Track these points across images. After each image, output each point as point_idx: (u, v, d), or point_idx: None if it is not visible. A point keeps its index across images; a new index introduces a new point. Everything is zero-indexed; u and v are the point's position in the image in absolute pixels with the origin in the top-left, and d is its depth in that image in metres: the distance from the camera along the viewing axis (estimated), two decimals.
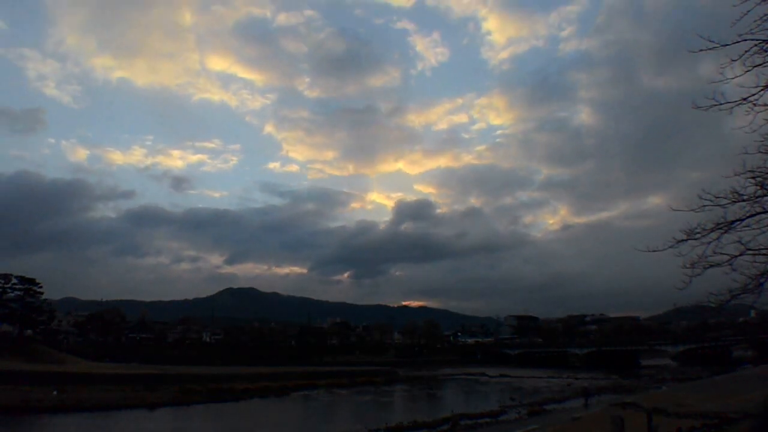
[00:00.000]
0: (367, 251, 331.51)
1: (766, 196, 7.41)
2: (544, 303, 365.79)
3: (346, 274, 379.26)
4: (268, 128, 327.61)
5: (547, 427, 27.19)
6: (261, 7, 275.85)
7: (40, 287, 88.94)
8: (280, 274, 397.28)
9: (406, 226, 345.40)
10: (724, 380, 41.75)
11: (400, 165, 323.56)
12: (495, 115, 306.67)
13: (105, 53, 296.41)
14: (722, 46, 7.00)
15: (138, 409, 39.70)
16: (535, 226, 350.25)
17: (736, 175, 7.51)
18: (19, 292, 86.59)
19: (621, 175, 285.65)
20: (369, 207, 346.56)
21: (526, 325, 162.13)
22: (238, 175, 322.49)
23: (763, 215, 7.45)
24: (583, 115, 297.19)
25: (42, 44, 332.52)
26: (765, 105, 7.07)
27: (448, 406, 39.08)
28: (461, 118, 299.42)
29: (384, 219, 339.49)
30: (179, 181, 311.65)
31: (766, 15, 6.81)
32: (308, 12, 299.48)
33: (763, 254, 7.38)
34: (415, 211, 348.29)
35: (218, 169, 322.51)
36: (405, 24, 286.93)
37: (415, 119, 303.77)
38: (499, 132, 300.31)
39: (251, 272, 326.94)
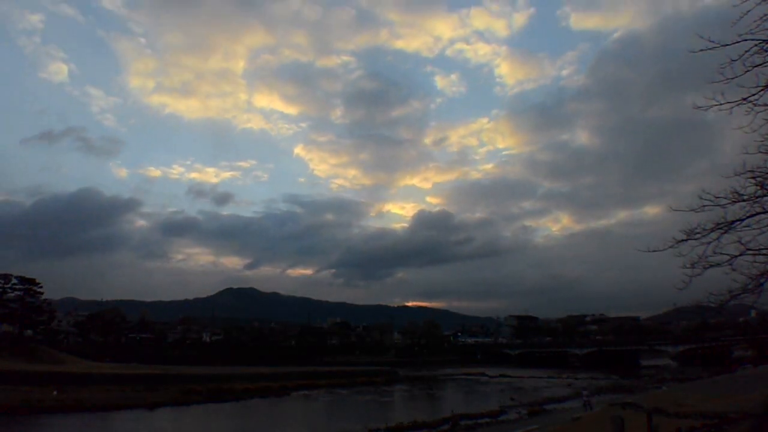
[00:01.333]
0: (377, 256, 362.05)
1: (766, 196, 7.40)
2: (544, 303, 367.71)
3: (348, 275, 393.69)
4: (298, 150, 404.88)
5: (547, 427, 27.20)
6: (304, 54, 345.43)
7: (40, 287, 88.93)
8: (282, 274, 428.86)
9: (415, 233, 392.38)
10: (724, 380, 41.73)
11: (415, 181, 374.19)
12: (502, 139, 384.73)
13: (162, 93, 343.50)
14: (722, 46, 7.00)
15: (138, 409, 39.72)
16: (537, 232, 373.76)
17: (736, 175, 7.50)
18: (19, 292, 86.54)
19: (618, 188, 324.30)
20: (382, 216, 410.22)
21: (526, 325, 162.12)
22: (266, 189, 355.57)
23: (763, 215, 7.44)
24: (583, 138, 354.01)
25: (107, 84, 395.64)
26: (765, 105, 7.06)
27: (448, 406, 39.07)
28: (471, 141, 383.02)
29: (395, 227, 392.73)
30: (214, 195, 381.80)
31: (766, 15, 6.81)
32: (345, 57, 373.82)
33: (763, 254, 7.38)
34: (425, 219, 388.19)
35: (249, 184, 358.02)
36: (429, 68, 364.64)
37: (430, 142, 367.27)
38: (505, 153, 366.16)
39: (267, 275, 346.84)
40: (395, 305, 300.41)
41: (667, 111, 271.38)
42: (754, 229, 7.52)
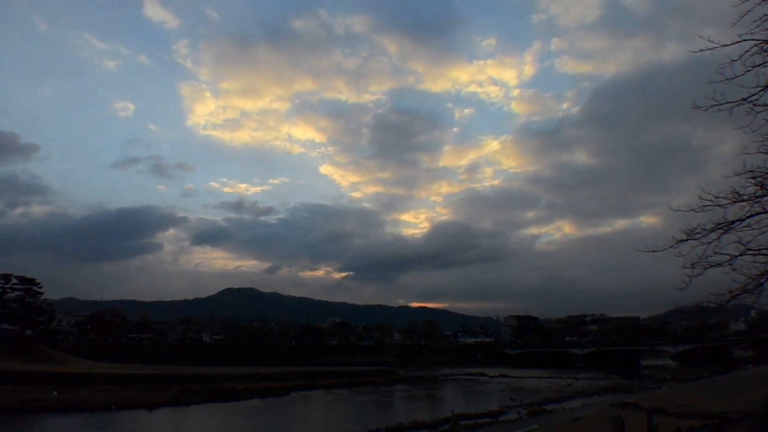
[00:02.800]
0: (388, 261, 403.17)
1: (766, 196, 7.40)
2: (544, 304, 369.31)
3: (361, 279, 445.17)
4: (325, 169, 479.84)
5: (547, 427, 27.20)
6: (341, 95, 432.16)
7: (40, 287, 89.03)
8: (297, 277, 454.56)
9: (425, 241, 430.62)
10: (724, 380, 41.73)
11: (427, 194, 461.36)
12: (508, 160, 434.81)
13: (216, 128, 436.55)
14: (722, 46, 7.01)
15: (138, 409, 39.71)
16: (539, 238, 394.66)
17: (736, 175, 7.50)
18: (19, 292, 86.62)
19: (615, 200, 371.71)
20: (395, 225, 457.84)
21: (526, 325, 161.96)
22: (292, 201, 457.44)
23: (763, 215, 7.44)
24: (581, 159, 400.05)
25: (165, 120, 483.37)
26: (765, 105, 7.07)
27: (448, 406, 39.09)
28: (480, 161, 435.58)
29: (406, 235, 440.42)
30: (246, 207, 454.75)
31: (766, 15, 6.81)
32: (377, 96, 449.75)
33: (763, 254, 7.38)
34: (434, 228, 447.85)
35: (276, 197, 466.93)
36: (448, 105, 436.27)
37: (443, 164, 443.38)
38: (510, 171, 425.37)
39: (284, 277, 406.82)
40: (395, 305, 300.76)
41: (655, 137, 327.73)
42: (754, 229, 7.52)
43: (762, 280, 7.32)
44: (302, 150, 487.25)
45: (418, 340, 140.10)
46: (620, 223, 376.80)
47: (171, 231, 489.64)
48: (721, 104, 7.26)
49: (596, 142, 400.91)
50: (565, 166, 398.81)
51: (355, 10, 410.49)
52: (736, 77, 7.04)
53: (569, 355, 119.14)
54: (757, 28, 6.87)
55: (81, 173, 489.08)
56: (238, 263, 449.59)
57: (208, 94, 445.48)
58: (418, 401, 52.99)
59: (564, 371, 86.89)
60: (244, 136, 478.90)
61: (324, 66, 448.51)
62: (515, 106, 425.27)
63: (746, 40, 6.92)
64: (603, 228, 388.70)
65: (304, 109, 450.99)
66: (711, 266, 7.68)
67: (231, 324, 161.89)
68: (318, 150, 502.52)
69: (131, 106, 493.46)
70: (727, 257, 7.55)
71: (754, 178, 7.43)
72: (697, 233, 7.69)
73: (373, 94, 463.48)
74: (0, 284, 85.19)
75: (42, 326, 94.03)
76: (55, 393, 41.50)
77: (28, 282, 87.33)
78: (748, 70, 6.98)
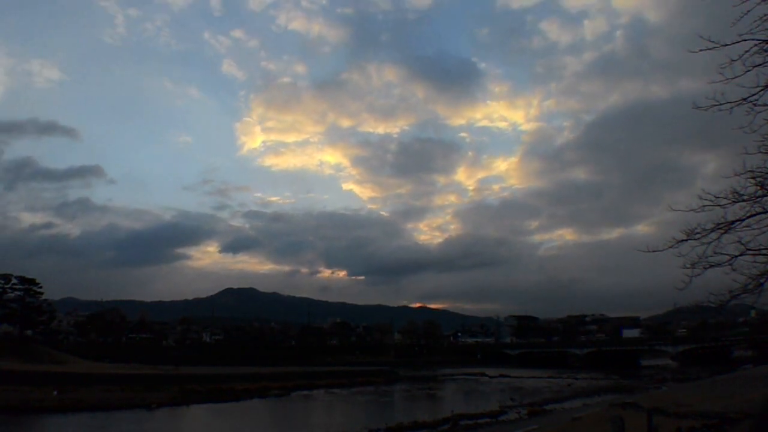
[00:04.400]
0: (397, 265, 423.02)
1: (766, 196, 7.40)
2: (544, 303, 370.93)
3: (373, 282, 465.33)
4: (348, 186, 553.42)
5: (547, 427, 27.20)
6: (371, 128, 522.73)
7: (40, 287, 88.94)
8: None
9: (433, 246, 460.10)
10: (724, 380, 41.73)
11: (439, 204, 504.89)
12: (512, 178, 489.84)
13: (262, 156, 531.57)
14: (722, 46, 7.00)
15: (138, 409, 39.70)
16: (541, 245, 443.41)
17: (736, 175, 7.50)
18: (19, 293, 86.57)
19: (613, 212, 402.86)
20: (407, 233, 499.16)
21: (526, 325, 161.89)
22: (316, 212, 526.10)
23: (763, 215, 7.44)
24: (581, 176, 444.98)
25: (225, 152, 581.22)
26: (765, 105, 7.06)
27: (448, 406, 39.07)
28: (488, 179, 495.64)
29: (416, 242, 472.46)
30: (277, 217, 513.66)
31: (766, 15, 6.81)
32: (402, 128, 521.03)
33: (763, 254, 7.37)
34: (443, 235, 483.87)
35: (303, 210, 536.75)
36: (464, 135, 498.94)
37: (455, 180, 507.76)
38: (515, 187, 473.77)
39: (298, 280, 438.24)
40: (395, 305, 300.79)
41: (646, 159, 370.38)
42: (754, 229, 7.51)
43: (762, 280, 7.31)
44: (332, 172, 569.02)
45: (418, 340, 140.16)
46: (618, 231, 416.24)
47: (211, 239, 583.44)
48: (721, 104, 7.25)
49: (593, 163, 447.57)
50: (565, 182, 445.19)
51: (393, 62, 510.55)
52: (736, 77, 7.03)
53: (569, 355, 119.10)
54: (757, 28, 6.86)
55: (148, 195, 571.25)
56: (267, 267, 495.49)
57: (258, 129, 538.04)
58: (418, 401, 53.00)
59: (564, 371, 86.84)
60: (283, 163, 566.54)
61: (360, 108, 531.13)
62: (521, 136, 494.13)
63: (746, 40, 6.91)
64: (601, 235, 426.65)
65: (337, 139, 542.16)
66: (711, 266, 7.68)
67: (231, 324, 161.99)
68: (345, 171, 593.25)
69: (190, 139, 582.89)
70: (727, 257, 7.54)
71: (754, 178, 7.42)
72: (697, 233, 7.68)
73: (399, 127, 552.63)
74: (0, 284, 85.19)
75: (42, 326, 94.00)
76: (55, 393, 41.50)
77: (28, 282, 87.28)
78: (748, 70, 6.97)
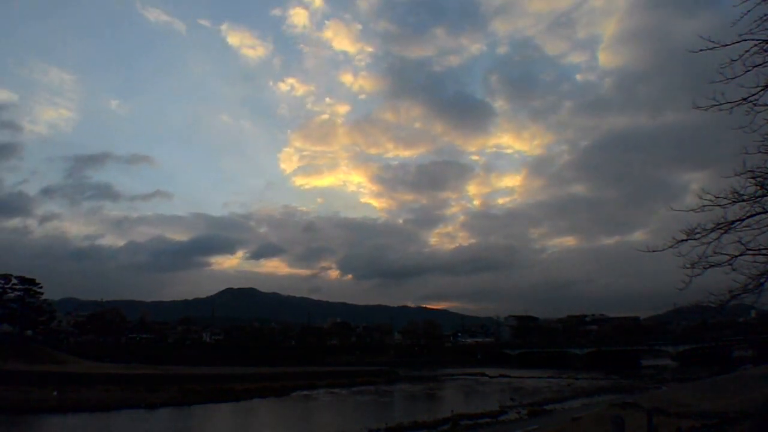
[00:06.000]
0: (405, 269, 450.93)
1: (766, 196, 7.40)
2: (544, 303, 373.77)
3: (381, 285, 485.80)
4: (366, 199, 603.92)
5: (547, 427, 27.22)
6: (391, 153, 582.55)
7: (40, 287, 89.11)
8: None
9: (441, 252, 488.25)
10: (724, 380, 41.72)
11: (449, 216, 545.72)
12: (515, 193, 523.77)
13: (296, 177, 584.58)
14: (722, 46, 7.00)
15: (138, 409, 39.72)
16: (542, 251, 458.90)
17: (736, 175, 7.49)
18: (19, 293, 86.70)
19: (610, 222, 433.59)
20: (417, 241, 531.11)
21: (526, 325, 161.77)
22: (335, 221, 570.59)
23: (763, 215, 7.43)
24: (580, 191, 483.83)
25: (267, 175, 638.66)
26: (765, 105, 7.06)
27: (448, 406, 39.09)
28: (495, 193, 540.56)
29: (426, 248, 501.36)
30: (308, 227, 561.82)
31: (766, 15, 6.81)
32: (421, 153, 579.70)
33: (763, 254, 7.37)
34: (451, 243, 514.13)
35: (326, 220, 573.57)
36: (475, 158, 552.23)
37: (464, 196, 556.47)
38: (519, 200, 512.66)
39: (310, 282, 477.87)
40: (395, 305, 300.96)
41: (638, 178, 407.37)
42: (754, 229, 7.51)
43: (762, 280, 7.31)
44: (354, 188, 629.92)
45: (418, 340, 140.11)
46: (615, 239, 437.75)
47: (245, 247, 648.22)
48: (721, 104, 7.25)
49: (590, 181, 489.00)
50: (565, 197, 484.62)
51: (419, 103, 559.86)
52: (736, 77, 7.03)
53: (569, 355, 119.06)
54: (757, 28, 6.87)
55: (198, 208, 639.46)
56: (290, 272, 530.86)
57: (296, 157, 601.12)
58: (418, 401, 52.99)
59: (564, 371, 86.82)
60: (313, 182, 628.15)
61: (385, 138, 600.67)
62: (526, 160, 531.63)
63: (746, 40, 6.91)
64: (601, 242, 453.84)
65: (362, 162, 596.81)
66: (711, 266, 7.67)
67: (231, 324, 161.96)
68: (365, 188, 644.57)
69: (238, 163, 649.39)
70: (727, 257, 7.54)
71: (754, 178, 7.42)
72: (697, 233, 7.68)
73: (418, 153, 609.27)
74: (0, 284, 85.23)
75: (42, 326, 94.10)
76: (55, 393, 41.52)
77: (28, 282, 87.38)
78: (748, 70, 6.97)
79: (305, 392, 56.61)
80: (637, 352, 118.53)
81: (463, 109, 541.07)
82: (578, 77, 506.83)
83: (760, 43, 6.90)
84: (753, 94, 7.03)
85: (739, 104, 7.14)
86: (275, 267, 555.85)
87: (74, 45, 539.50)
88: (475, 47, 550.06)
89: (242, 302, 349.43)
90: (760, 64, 6.94)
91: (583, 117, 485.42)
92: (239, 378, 59.13)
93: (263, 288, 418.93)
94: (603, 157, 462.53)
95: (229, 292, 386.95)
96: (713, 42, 7.02)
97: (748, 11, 6.82)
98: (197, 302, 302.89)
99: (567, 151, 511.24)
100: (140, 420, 36.35)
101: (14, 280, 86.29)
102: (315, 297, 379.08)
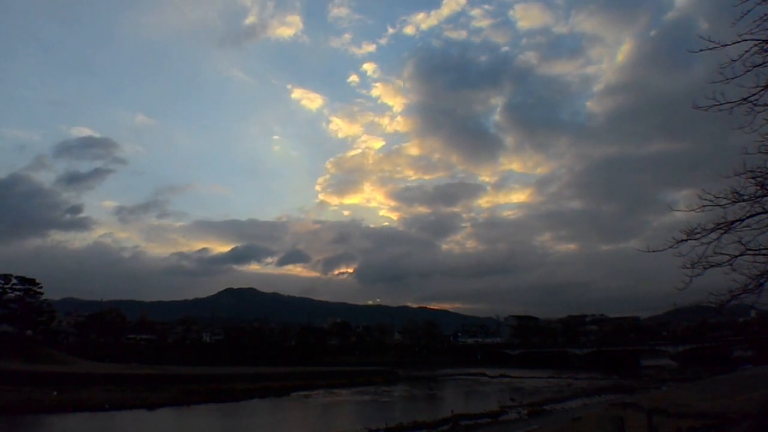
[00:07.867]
0: (411, 272, 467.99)
1: (766, 196, 7.40)
2: (544, 303, 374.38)
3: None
4: (384, 213, 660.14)
5: (547, 427, 27.18)
6: (411, 177, 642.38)
7: (40, 287, 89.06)
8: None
9: (447, 258, 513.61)
10: (724, 380, 41.74)
11: (457, 225, 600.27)
12: (521, 206, 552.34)
13: (326, 196, 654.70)
14: (722, 46, 7.00)
15: (138, 409, 39.70)
16: (544, 257, 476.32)
17: (736, 175, 7.49)
18: (19, 293, 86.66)
19: (608, 232, 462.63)
20: (427, 246, 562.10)
21: (526, 325, 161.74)
22: (357, 231, 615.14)
23: (763, 215, 7.44)
24: (576, 205, 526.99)
25: (303, 194, 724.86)
26: (765, 105, 7.06)
27: (448, 406, 39.07)
28: (500, 207, 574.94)
29: (434, 254, 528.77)
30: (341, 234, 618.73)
31: (766, 15, 6.81)
32: (436, 178, 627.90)
33: (763, 254, 7.38)
34: (457, 249, 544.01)
35: (348, 230, 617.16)
36: (484, 179, 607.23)
37: (473, 208, 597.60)
38: (521, 212, 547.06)
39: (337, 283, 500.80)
40: (395, 305, 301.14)
41: (631, 195, 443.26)
42: (754, 229, 7.52)
43: (762, 280, 7.32)
44: (375, 205, 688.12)
45: (418, 340, 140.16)
46: (612, 246, 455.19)
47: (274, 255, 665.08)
48: (721, 104, 7.26)
49: (586, 197, 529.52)
50: (565, 210, 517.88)
51: (440, 138, 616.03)
52: (736, 77, 7.03)
53: (569, 355, 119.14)
54: (757, 28, 6.87)
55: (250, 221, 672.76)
56: (311, 275, 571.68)
57: (331, 182, 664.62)
58: (418, 401, 52.94)
59: (564, 371, 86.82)
60: (341, 201, 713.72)
61: (409, 169, 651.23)
62: (531, 180, 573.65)
63: (746, 40, 6.91)
64: (599, 248, 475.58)
65: (385, 185, 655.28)
66: (711, 266, 7.68)
67: (231, 324, 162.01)
68: (384, 204, 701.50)
69: (281, 187, 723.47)
70: (727, 257, 7.55)
71: (754, 178, 7.43)
72: (697, 233, 7.69)
73: (436, 176, 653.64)
74: (0, 284, 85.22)
75: (42, 326, 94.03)
76: (55, 393, 41.49)
77: (28, 282, 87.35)
78: (748, 70, 6.97)
79: (305, 392, 56.54)
80: (637, 352, 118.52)
81: (477, 142, 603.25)
82: (574, 118, 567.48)
83: (760, 43, 6.90)
84: (753, 94, 7.03)
85: (739, 104, 7.14)
86: (299, 271, 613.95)
87: (163, 98, 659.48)
88: (494, 100, 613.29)
89: (242, 302, 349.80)
90: (760, 64, 6.94)
91: (578, 146, 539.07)
92: (239, 378, 59.09)
93: (263, 288, 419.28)
94: (596, 178, 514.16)
95: (229, 292, 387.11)
96: (713, 42, 7.02)
97: (748, 11, 6.82)
98: (197, 302, 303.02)
99: (565, 173, 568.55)
100: (140, 420, 36.35)
101: (14, 280, 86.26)
102: (315, 297, 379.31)
